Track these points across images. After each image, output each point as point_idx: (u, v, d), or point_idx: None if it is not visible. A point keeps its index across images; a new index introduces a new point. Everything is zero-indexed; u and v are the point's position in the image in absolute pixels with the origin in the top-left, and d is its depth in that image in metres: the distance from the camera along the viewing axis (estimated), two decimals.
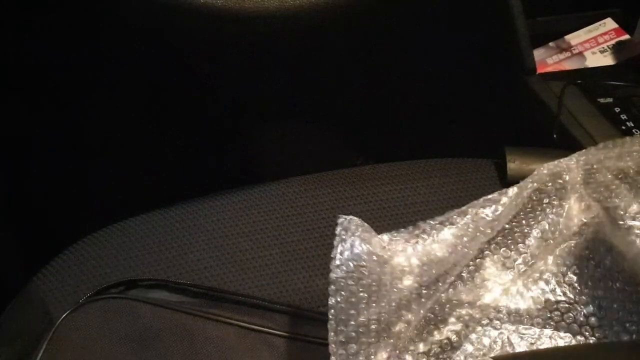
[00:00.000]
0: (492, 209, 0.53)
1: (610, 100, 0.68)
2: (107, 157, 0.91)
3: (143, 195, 0.71)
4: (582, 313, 0.48)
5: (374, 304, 0.46)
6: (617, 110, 0.67)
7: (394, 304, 0.47)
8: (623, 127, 0.66)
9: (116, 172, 0.90)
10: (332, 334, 0.44)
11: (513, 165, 0.58)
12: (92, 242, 0.58)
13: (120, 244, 0.57)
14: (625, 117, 0.67)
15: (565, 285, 0.49)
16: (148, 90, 0.92)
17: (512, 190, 0.53)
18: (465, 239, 0.51)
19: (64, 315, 0.52)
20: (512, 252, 0.51)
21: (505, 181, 0.58)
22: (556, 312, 0.48)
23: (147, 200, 0.61)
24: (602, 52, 0.81)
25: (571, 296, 0.49)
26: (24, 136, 0.88)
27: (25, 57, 0.87)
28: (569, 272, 0.50)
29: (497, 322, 0.47)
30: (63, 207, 0.87)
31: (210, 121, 0.94)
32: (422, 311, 0.47)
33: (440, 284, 0.48)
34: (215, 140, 0.94)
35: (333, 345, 0.44)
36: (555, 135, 0.67)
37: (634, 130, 0.65)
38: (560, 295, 0.49)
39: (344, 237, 0.48)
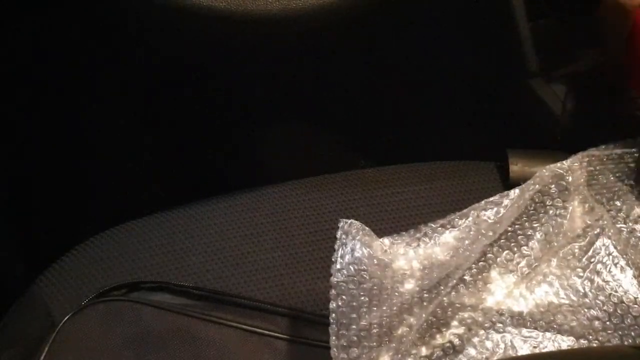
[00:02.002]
0: (494, 211, 0.52)
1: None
2: (108, 158, 0.90)
3: (145, 198, 0.71)
4: (586, 316, 0.47)
5: (375, 308, 0.46)
6: (620, 112, 0.67)
7: (395, 307, 0.47)
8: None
9: (118, 173, 0.90)
10: (334, 338, 0.44)
11: (515, 167, 0.58)
12: (94, 245, 0.58)
13: (122, 247, 0.57)
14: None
15: (569, 288, 0.49)
16: (150, 91, 0.92)
17: (514, 193, 0.53)
18: (467, 241, 0.51)
19: (66, 318, 0.52)
20: (515, 255, 0.51)
21: (508, 183, 0.58)
22: (559, 316, 0.48)
23: (149, 203, 0.61)
24: None
25: (574, 299, 0.48)
26: (24, 136, 0.88)
27: (26, 57, 0.87)
28: (572, 275, 0.49)
29: (500, 325, 0.47)
30: (65, 210, 0.87)
31: (213, 123, 0.94)
32: (424, 315, 0.46)
33: (442, 287, 0.48)
34: (217, 142, 0.94)
35: (335, 349, 0.44)
36: (558, 138, 0.67)
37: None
38: (563, 298, 0.48)
39: (344, 240, 0.48)
